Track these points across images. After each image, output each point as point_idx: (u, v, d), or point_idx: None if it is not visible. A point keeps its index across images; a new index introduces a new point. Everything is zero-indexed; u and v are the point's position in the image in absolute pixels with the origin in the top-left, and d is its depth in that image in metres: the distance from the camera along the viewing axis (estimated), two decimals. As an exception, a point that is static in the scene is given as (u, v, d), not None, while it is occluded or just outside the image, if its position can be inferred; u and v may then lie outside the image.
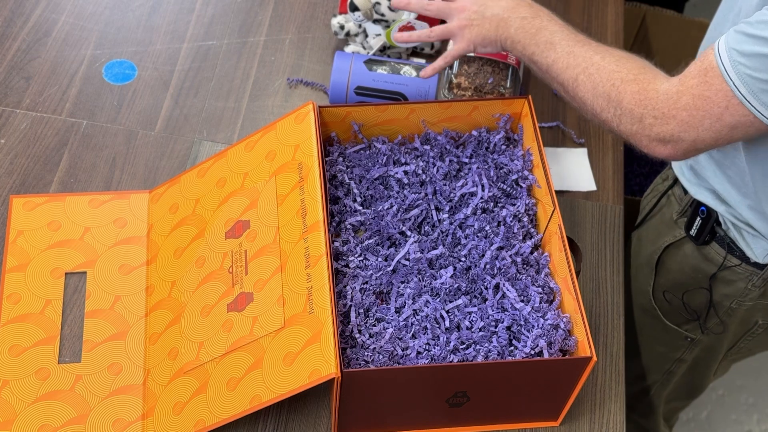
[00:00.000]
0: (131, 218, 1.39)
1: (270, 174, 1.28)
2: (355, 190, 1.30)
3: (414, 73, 1.47)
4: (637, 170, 2.28)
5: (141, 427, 1.20)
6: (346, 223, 1.27)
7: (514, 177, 1.33)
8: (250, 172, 1.31)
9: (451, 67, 1.44)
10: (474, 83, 1.42)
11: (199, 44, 1.63)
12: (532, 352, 1.17)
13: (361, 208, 1.29)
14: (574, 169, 1.53)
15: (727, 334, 1.47)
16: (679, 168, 1.41)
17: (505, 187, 1.32)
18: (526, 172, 1.33)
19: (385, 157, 1.33)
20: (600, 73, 1.17)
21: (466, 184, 1.32)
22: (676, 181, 1.45)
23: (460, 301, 1.21)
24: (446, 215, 1.30)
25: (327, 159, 1.32)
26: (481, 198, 1.30)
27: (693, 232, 1.38)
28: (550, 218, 1.27)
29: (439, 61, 1.37)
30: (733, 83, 1.05)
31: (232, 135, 1.52)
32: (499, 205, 1.31)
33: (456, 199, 1.31)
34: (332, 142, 1.37)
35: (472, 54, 1.40)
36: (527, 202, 1.31)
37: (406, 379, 1.12)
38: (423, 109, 1.35)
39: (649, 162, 2.31)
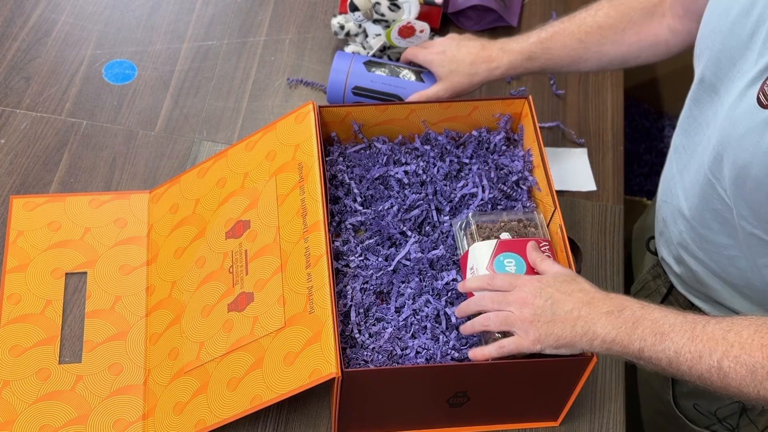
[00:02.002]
0: (131, 218, 1.39)
1: (270, 174, 1.28)
2: (356, 190, 1.30)
3: (413, 77, 1.44)
4: (637, 170, 2.28)
5: (142, 427, 1.20)
6: (347, 223, 1.27)
7: (515, 178, 1.33)
8: (250, 172, 1.31)
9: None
10: None
11: (199, 44, 1.63)
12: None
13: (361, 208, 1.29)
14: (574, 169, 1.53)
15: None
16: (682, 284, 1.35)
17: (505, 188, 1.32)
18: (526, 173, 1.33)
19: (385, 157, 1.33)
20: (749, 352, 0.97)
21: (467, 185, 1.32)
22: (671, 287, 1.39)
23: (460, 301, 1.21)
24: (447, 216, 1.30)
25: (327, 159, 1.32)
26: (482, 199, 1.30)
27: None
28: (551, 218, 1.27)
29: (492, 349, 1.12)
30: None
31: (232, 135, 1.52)
32: (499, 207, 1.31)
33: (456, 199, 1.31)
34: (332, 142, 1.37)
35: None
36: (527, 205, 1.31)
37: (406, 379, 1.12)
38: (423, 109, 1.35)
39: (649, 162, 2.31)
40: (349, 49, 1.59)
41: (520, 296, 1.10)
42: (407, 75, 1.45)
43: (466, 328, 1.15)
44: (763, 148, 1.02)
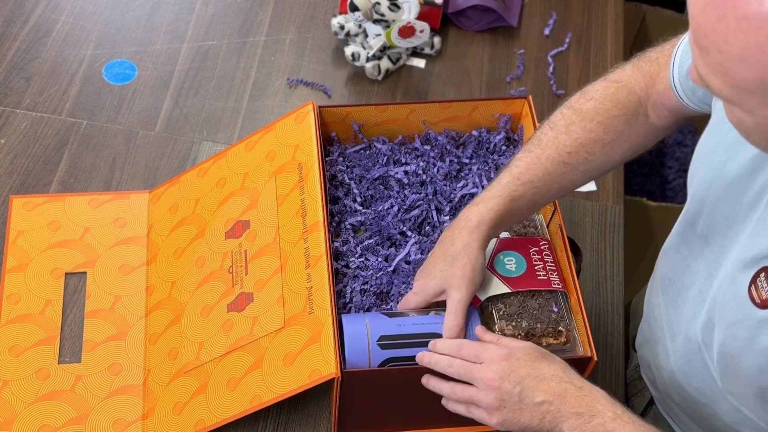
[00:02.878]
0: (131, 218, 1.38)
1: (270, 174, 1.28)
2: (355, 190, 1.30)
3: (443, 313, 1.15)
4: (637, 170, 2.28)
5: (141, 427, 1.20)
6: (346, 223, 1.27)
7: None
8: (250, 172, 1.31)
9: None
10: (520, 328, 1.15)
11: (199, 44, 1.63)
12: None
13: (361, 208, 1.29)
14: (574, 170, 1.53)
15: None
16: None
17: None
18: (526, 172, 1.33)
19: (385, 157, 1.33)
20: None
21: (467, 185, 1.32)
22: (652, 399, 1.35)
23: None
24: (447, 216, 1.30)
25: (327, 159, 1.32)
26: (482, 198, 1.30)
27: None
28: (551, 218, 1.27)
29: (461, 408, 1.09)
30: None
31: (232, 135, 1.52)
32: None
33: (456, 199, 1.31)
34: (332, 142, 1.37)
35: (508, 290, 1.16)
36: None
37: (406, 379, 1.12)
38: (423, 109, 1.35)
39: (649, 162, 2.31)
40: (349, 49, 1.59)
41: (487, 377, 1.04)
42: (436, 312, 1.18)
43: (429, 382, 1.10)
44: (757, 349, 0.97)
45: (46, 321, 1.28)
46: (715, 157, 1.04)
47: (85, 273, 1.33)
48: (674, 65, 1.12)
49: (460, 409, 1.09)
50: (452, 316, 1.11)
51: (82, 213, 1.38)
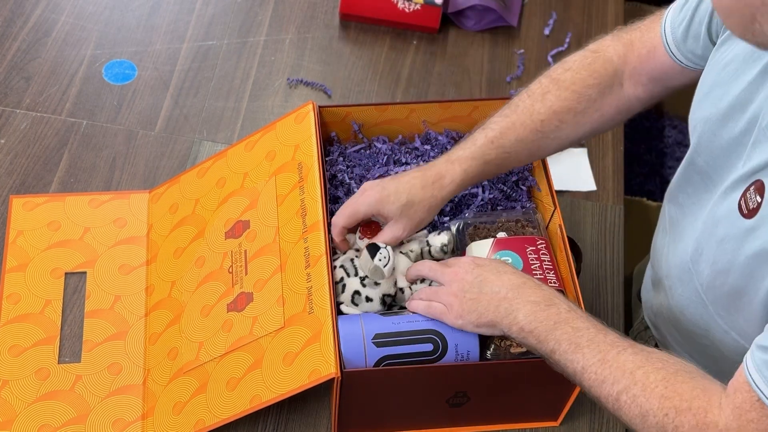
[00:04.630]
0: (131, 218, 1.38)
1: (270, 174, 1.28)
2: (356, 190, 1.30)
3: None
4: (637, 170, 2.28)
5: (141, 427, 1.20)
6: (346, 223, 1.27)
7: (515, 178, 1.33)
8: (250, 172, 1.31)
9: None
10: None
11: (199, 44, 1.63)
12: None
13: (361, 208, 1.29)
14: (574, 169, 1.53)
15: None
16: None
17: (505, 188, 1.32)
18: (526, 173, 1.33)
19: (385, 157, 1.33)
20: (648, 397, 0.96)
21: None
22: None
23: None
24: (447, 216, 1.30)
25: (327, 159, 1.32)
26: (482, 199, 1.30)
27: None
28: (551, 218, 1.27)
29: (422, 305, 1.14)
30: None
31: (232, 135, 1.52)
32: (499, 207, 1.31)
33: (456, 199, 1.31)
34: (332, 141, 1.37)
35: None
36: (526, 205, 1.31)
37: (406, 379, 1.12)
38: (423, 109, 1.35)
39: (649, 162, 2.31)
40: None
41: (453, 270, 1.12)
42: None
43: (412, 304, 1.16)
44: (742, 257, 1.01)
45: (45, 321, 1.28)
46: (712, 95, 1.09)
47: (84, 273, 1.33)
48: (666, 19, 1.18)
49: (420, 307, 1.13)
50: (388, 240, 1.18)
51: (82, 213, 1.38)
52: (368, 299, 1.16)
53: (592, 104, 1.22)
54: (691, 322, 1.19)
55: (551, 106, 1.21)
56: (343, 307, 1.16)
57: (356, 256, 1.18)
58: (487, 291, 1.08)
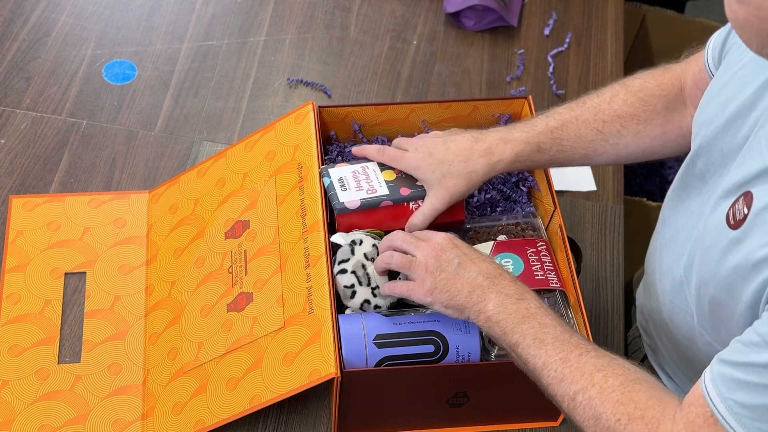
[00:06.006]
0: (131, 218, 1.38)
1: (270, 174, 1.28)
2: (355, 190, 1.30)
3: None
4: (637, 170, 2.28)
5: (141, 427, 1.20)
6: (346, 223, 1.27)
7: (515, 179, 1.33)
8: (250, 172, 1.31)
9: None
10: None
11: (199, 44, 1.63)
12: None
13: (361, 208, 1.28)
14: (574, 169, 1.53)
15: None
16: None
17: (505, 189, 1.32)
18: (526, 174, 1.33)
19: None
20: (603, 400, 0.96)
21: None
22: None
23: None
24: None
25: (326, 158, 1.32)
26: (477, 200, 1.30)
27: None
28: (551, 219, 1.26)
29: (386, 287, 1.13)
30: None
31: (232, 135, 1.52)
32: (499, 208, 1.31)
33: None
34: (331, 141, 1.37)
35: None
36: (525, 208, 1.31)
37: (405, 379, 1.12)
38: (423, 109, 1.35)
39: (649, 162, 2.31)
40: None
41: (431, 245, 1.09)
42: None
43: (377, 264, 1.14)
44: (723, 270, 0.99)
45: (45, 321, 1.28)
46: (720, 98, 1.07)
47: (84, 273, 1.33)
48: (709, 42, 1.17)
49: (384, 288, 1.12)
50: (422, 218, 1.18)
51: (81, 213, 1.38)
52: (377, 307, 1.15)
53: (656, 116, 1.20)
54: (679, 330, 1.18)
55: (616, 110, 1.20)
56: (348, 311, 1.15)
57: (367, 258, 1.16)
58: (464, 274, 1.07)
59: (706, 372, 0.92)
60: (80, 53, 1.59)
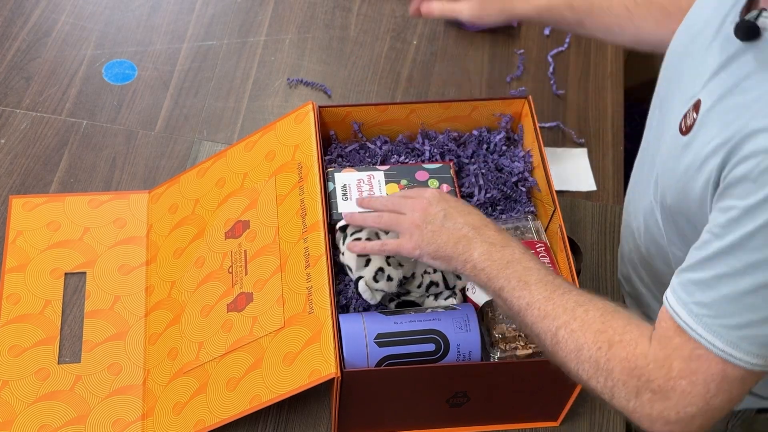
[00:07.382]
0: (131, 218, 1.38)
1: (269, 174, 1.28)
2: (355, 190, 1.30)
3: (440, 310, 1.18)
4: (638, 170, 2.28)
5: (141, 427, 1.20)
6: (346, 223, 1.27)
7: (515, 179, 1.33)
8: (250, 172, 1.31)
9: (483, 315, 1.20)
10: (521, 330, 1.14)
11: (199, 44, 1.63)
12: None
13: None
14: (574, 169, 1.53)
15: None
16: None
17: (505, 189, 1.32)
18: (526, 174, 1.33)
19: (379, 158, 1.33)
20: (584, 331, 0.97)
21: (463, 185, 1.32)
22: None
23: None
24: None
25: (326, 158, 1.32)
26: (478, 200, 1.30)
27: None
28: (551, 218, 1.26)
29: (375, 245, 1.13)
30: (710, 343, 0.90)
31: (232, 135, 1.52)
32: (499, 207, 1.31)
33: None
34: (331, 141, 1.37)
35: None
36: (525, 210, 1.31)
37: (406, 379, 1.12)
38: (423, 109, 1.35)
39: (650, 162, 2.30)
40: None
41: (417, 201, 1.11)
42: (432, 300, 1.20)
43: (353, 218, 1.15)
44: (677, 175, 1.02)
45: (45, 321, 1.28)
46: (690, 18, 1.10)
47: (84, 273, 1.33)
48: None
49: (373, 247, 1.12)
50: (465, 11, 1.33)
51: (81, 213, 1.38)
52: (389, 278, 1.16)
53: (681, 13, 1.20)
54: (655, 261, 1.20)
55: None
56: (360, 284, 1.15)
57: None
58: (449, 226, 1.08)
59: (669, 286, 0.94)
60: (80, 53, 1.59)
